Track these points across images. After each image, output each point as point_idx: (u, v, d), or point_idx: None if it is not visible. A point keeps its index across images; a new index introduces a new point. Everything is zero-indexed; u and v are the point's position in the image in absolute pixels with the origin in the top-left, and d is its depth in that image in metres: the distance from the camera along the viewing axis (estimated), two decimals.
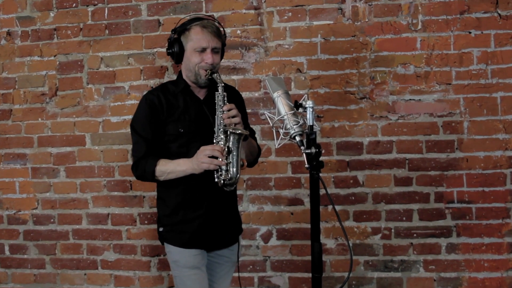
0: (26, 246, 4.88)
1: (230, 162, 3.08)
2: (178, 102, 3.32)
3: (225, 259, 3.45)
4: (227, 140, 3.09)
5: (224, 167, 3.07)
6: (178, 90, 3.34)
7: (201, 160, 3.07)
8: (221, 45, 3.30)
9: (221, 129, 3.11)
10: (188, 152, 3.22)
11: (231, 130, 3.07)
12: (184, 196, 3.29)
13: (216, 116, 3.15)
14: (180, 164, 3.20)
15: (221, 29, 3.34)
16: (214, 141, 3.14)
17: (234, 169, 3.09)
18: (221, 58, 3.37)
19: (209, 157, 3.05)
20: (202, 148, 3.11)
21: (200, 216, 3.28)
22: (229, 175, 3.09)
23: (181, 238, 3.29)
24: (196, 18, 3.30)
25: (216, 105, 3.16)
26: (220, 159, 3.04)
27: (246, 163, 3.20)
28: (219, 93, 3.15)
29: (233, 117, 3.11)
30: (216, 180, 3.10)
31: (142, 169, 3.27)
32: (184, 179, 3.20)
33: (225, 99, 3.16)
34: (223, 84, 3.17)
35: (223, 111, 3.12)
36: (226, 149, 3.07)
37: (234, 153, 3.09)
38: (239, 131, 3.08)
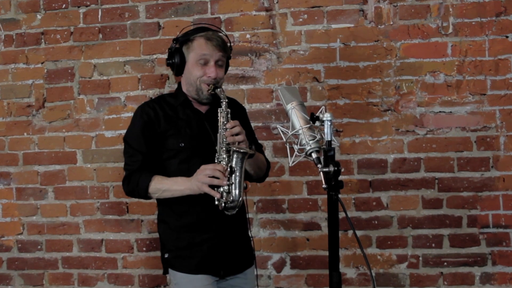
0: (10, 275, 4.91)
1: (232, 184, 3.12)
2: (178, 115, 3.39)
3: None
4: (229, 159, 3.14)
5: (225, 188, 3.11)
6: (178, 103, 3.41)
7: (201, 180, 3.12)
8: (226, 58, 3.38)
9: (224, 148, 3.15)
10: (189, 169, 3.26)
11: (234, 148, 3.12)
12: (190, 217, 3.32)
13: (218, 134, 3.20)
14: (178, 182, 3.25)
15: (228, 41, 3.40)
16: (216, 160, 3.18)
17: (237, 191, 3.13)
18: (225, 71, 3.43)
19: (210, 177, 3.10)
20: (202, 167, 3.15)
21: (209, 239, 3.31)
22: (231, 198, 3.12)
23: (189, 263, 3.31)
24: (201, 28, 3.35)
25: (219, 122, 3.21)
26: (221, 179, 3.09)
27: (249, 185, 3.21)
28: (222, 110, 3.21)
29: (236, 134, 3.16)
30: (216, 203, 3.13)
31: (135, 183, 3.32)
32: (188, 197, 3.24)
33: (229, 115, 3.22)
34: (227, 100, 3.23)
35: (226, 129, 3.16)
36: (229, 169, 3.11)
37: (237, 174, 3.12)
38: (243, 150, 3.12)
